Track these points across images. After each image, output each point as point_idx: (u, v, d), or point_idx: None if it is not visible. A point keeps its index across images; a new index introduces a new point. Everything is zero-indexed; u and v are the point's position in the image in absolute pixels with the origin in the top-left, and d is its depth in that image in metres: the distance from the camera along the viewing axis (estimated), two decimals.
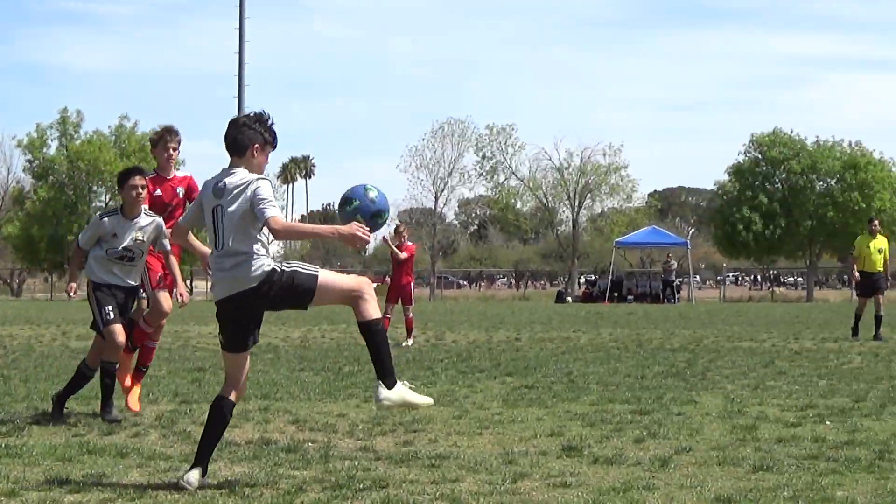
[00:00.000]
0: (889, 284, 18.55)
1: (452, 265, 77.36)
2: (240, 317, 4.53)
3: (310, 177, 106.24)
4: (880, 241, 17.17)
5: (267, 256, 4.48)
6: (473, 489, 4.71)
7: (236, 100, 48.73)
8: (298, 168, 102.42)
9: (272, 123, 4.71)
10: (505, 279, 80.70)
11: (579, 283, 57.25)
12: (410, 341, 16.17)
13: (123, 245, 6.62)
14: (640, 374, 11.23)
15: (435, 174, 58.92)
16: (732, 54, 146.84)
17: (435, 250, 61.37)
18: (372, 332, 4.59)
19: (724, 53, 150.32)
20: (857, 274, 17.20)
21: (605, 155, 54.63)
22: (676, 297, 45.15)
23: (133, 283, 6.88)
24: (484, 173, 58.93)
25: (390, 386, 4.51)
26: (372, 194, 4.76)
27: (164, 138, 7.22)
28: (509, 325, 23.96)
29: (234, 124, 4.65)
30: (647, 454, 5.94)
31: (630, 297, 44.54)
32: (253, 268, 4.36)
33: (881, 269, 16.95)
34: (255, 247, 4.43)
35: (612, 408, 7.37)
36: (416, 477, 5.06)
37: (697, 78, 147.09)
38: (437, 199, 60.22)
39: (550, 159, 58.25)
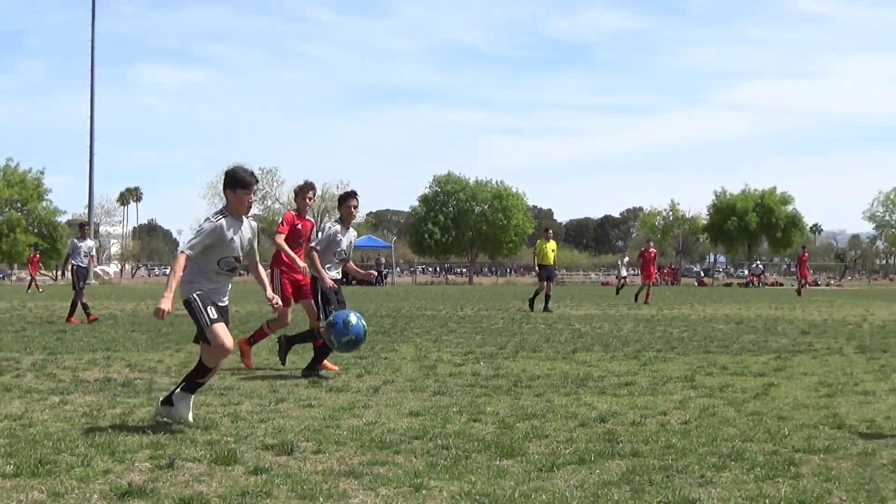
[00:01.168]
0: (557, 274, 23.74)
1: None
2: None
3: (139, 201, 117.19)
4: (552, 244, 20.92)
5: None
6: (248, 409, 6.08)
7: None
8: (131, 195, 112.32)
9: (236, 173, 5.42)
10: None
11: None
12: None
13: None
14: None
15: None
16: (420, 125, 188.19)
17: None
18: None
19: (420, 124, 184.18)
20: (537, 267, 20.55)
21: (338, 187, 64.47)
22: (384, 281, 52.73)
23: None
24: (257, 199, 66.50)
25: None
26: (353, 319, 6.08)
27: (305, 191, 8.25)
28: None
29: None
30: (364, 385, 7.48)
31: (354, 282, 47.01)
32: None
33: (552, 263, 20.62)
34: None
35: (340, 356, 8.49)
36: (210, 402, 6.31)
37: (397, 140, 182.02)
38: None
39: None
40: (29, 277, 35.36)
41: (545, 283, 19.77)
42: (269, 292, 5.80)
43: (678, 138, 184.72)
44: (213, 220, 5.25)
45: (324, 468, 4.11)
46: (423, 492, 3.62)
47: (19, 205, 54.01)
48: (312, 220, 8.88)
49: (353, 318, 6.31)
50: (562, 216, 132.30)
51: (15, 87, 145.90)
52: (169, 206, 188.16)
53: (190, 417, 5.23)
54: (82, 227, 17.37)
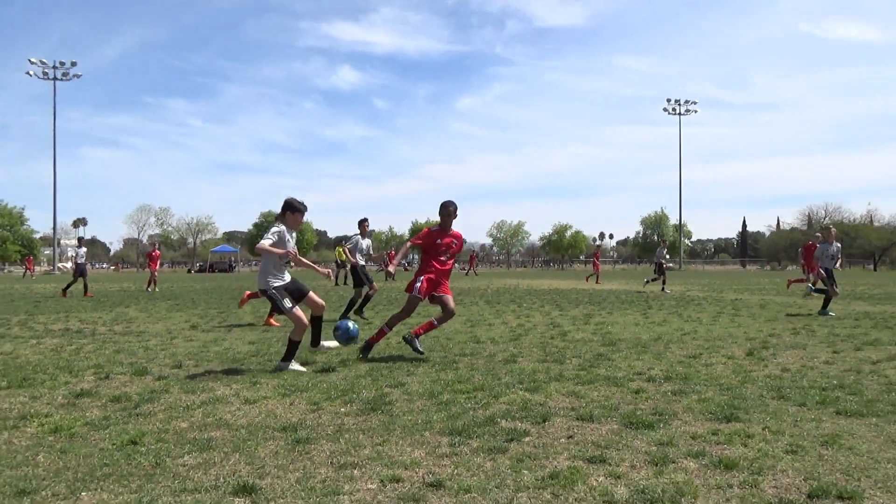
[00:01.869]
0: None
1: None
2: None
3: (86, 225, 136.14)
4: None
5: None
6: (154, 343, 9.10)
7: None
8: (80, 221, 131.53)
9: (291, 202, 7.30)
10: None
11: None
12: None
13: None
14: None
15: None
16: None
17: None
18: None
19: None
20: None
21: None
22: (234, 270, 63.69)
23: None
24: None
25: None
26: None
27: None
28: None
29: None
30: (222, 327, 10.58)
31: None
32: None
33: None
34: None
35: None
36: (130, 340, 9.24)
37: None
38: None
39: None
40: (24, 270, 57.39)
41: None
42: (321, 270, 7.90)
43: None
44: (275, 226, 7.18)
45: (200, 375, 6.90)
46: (257, 385, 6.39)
47: (8, 227, 77.53)
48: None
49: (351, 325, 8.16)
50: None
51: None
52: (104, 228, 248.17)
53: (300, 367, 7.14)
54: (80, 240, 23.31)
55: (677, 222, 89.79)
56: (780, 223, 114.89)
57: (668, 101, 77.12)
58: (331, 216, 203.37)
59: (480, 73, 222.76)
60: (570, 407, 5.35)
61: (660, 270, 23.99)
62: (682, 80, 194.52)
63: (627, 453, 4.15)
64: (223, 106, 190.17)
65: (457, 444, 4.34)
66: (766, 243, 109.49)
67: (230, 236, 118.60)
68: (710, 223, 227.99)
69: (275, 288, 7.08)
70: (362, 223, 13.19)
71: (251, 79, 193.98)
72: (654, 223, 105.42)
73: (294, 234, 7.31)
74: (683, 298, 19.11)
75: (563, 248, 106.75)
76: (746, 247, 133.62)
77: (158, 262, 26.46)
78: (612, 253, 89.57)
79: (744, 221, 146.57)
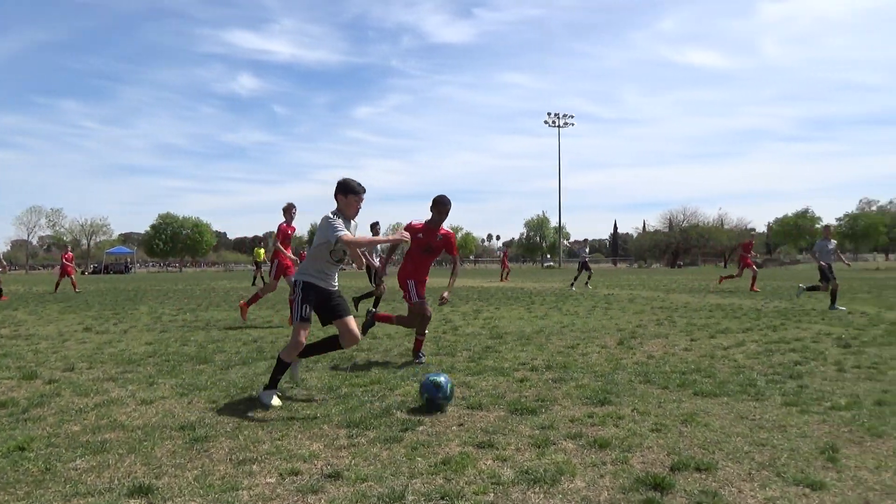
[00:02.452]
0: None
1: None
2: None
3: None
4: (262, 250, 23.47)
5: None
6: (44, 346, 8.40)
7: None
8: None
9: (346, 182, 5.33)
10: None
11: None
12: None
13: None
14: None
15: None
16: None
17: None
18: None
19: None
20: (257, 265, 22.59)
21: None
22: (131, 271, 60.89)
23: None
24: None
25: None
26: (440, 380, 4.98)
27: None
28: None
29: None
30: (118, 329, 9.96)
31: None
32: None
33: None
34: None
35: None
36: (19, 343, 8.48)
37: None
38: None
39: None
40: None
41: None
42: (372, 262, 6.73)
43: None
44: (332, 216, 5.20)
45: (94, 377, 6.40)
46: (154, 385, 6.06)
47: None
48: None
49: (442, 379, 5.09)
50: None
51: None
52: None
53: (276, 401, 5.22)
54: None
55: (557, 224, 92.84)
56: (646, 226, 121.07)
57: (549, 114, 79.32)
58: (230, 218, 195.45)
59: (377, 84, 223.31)
60: (461, 396, 5.40)
61: (583, 268, 24.29)
62: (561, 95, 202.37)
63: (513, 437, 4.24)
64: (120, 108, 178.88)
65: (354, 436, 4.28)
66: (634, 244, 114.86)
67: (126, 238, 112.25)
68: (585, 225, 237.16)
69: (305, 283, 5.32)
70: (374, 226, 13.34)
71: (149, 82, 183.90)
72: (537, 225, 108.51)
73: (355, 225, 5.44)
74: (562, 294, 19.78)
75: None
76: (617, 247, 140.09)
77: (69, 263, 24.30)
78: (498, 253, 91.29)
79: (615, 224, 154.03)
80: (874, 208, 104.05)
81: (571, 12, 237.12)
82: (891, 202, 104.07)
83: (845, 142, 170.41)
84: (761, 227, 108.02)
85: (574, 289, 22.68)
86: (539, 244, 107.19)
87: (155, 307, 14.75)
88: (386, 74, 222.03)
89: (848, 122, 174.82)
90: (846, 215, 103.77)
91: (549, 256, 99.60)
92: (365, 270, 7.76)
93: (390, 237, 5.73)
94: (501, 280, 33.48)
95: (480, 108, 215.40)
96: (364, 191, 5.37)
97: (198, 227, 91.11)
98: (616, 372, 6.45)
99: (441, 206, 7.17)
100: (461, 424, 4.55)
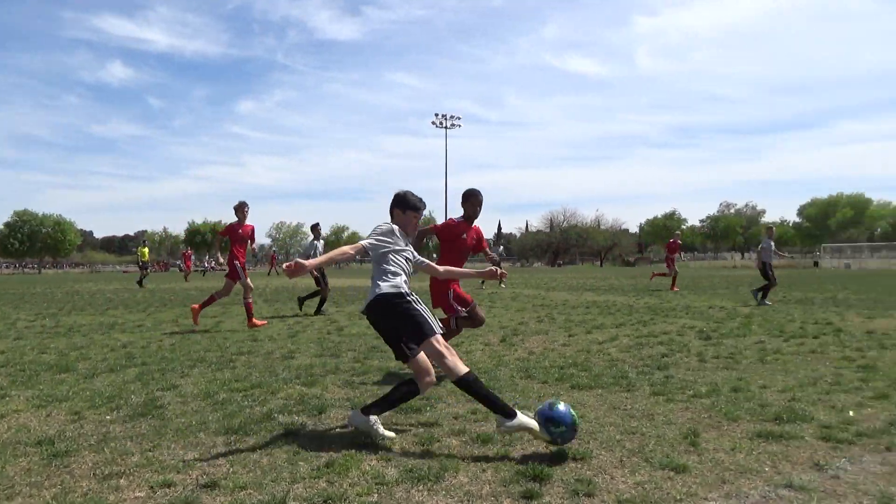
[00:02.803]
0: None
1: None
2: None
3: None
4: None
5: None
6: None
7: None
8: None
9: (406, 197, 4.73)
10: None
11: None
12: None
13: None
14: None
15: None
16: None
17: None
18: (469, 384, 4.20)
19: None
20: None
21: None
22: None
23: None
24: None
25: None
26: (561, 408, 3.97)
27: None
28: None
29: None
30: None
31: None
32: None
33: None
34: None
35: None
36: None
37: None
38: None
39: None
40: None
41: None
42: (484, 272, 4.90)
43: None
44: (380, 226, 4.60)
45: None
46: (6, 398, 5.56)
47: None
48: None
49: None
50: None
51: None
52: None
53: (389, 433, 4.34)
54: None
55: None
56: (529, 226, 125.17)
57: (436, 115, 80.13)
58: (98, 215, 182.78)
59: (262, 79, 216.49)
60: (346, 398, 5.35)
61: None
62: (448, 96, 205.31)
63: (398, 437, 4.25)
64: None
65: (233, 443, 4.13)
66: (518, 243, 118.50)
67: None
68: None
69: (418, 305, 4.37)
70: (315, 227, 13.53)
71: (5, 67, 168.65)
72: (423, 225, 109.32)
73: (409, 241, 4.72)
74: None
75: None
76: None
77: None
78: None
79: (499, 224, 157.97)
80: (732, 211, 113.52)
81: (458, 14, 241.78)
82: (746, 205, 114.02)
83: (709, 149, 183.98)
84: (633, 228, 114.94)
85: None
86: (426, 244, 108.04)
87: (8, 312, 13.52)
88: (271, 69, 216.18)
89: (711, 130, 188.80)
90: (708, 217, 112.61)
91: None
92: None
93: (483, 272, 4.78)
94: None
95: (368, 107, 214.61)
96: (424, 207, 4.83)
97: (60, 226, 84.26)
98: (499, 368, 6.61)
99: (476, 198, 6.50)
100: (345, 427, 4.50)
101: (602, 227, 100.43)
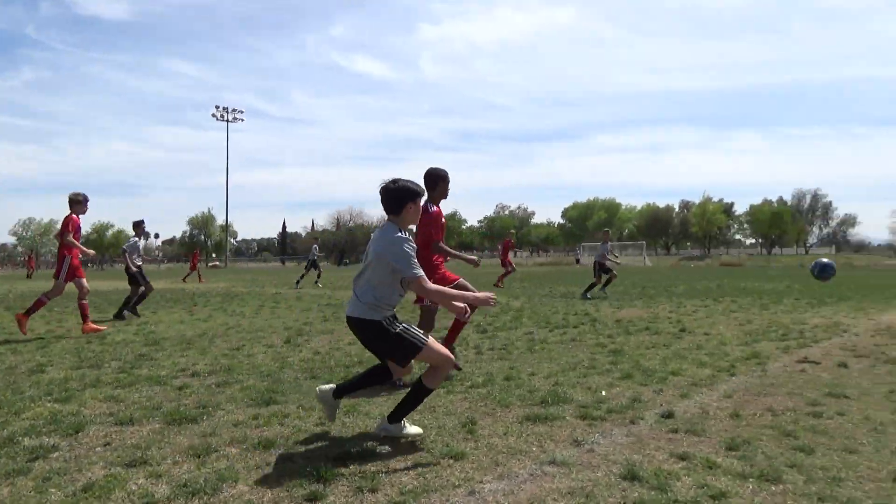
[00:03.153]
0: None
1: None
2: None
3: None
4: None
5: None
6: None
7: None
8: None
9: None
10: None
11: None
12: None
13: None
14: None
15: None
16: None
17: None
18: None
19: None
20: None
21: None
22: None
23: None
24: None
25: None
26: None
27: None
28: None
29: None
30: None
31: None
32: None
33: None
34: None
35: None
36: None
37: None
38: None
39: None
40: None
41: None
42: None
43: None
44: (411, 242, 3.98)
45: None
46: None
47: None
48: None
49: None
50: None
51: None
52: None
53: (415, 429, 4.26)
54: None
55: (224, 222, 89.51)
56: (315, 225, 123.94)
57: (217, 107, 75.95)
58: None
59: (6, 54, 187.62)
60: (109, 412, 4.85)
61: (311, 266, 24.21)
62: (230, 89, 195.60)
63: (169, 450, 3.94)
64: None
65: None
66: (303, 243, 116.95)
67: None
68: (254, 224, 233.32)
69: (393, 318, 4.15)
70: (139, 225, 12.80)
71: None
72: (202, 223, 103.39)
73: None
74: (229, 294, 19.11)
75: (104, 248, 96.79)
76: (286, 245, 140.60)
77: None
78: (157, 252, 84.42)
79: (284, 223, 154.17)
80: (507, 212, 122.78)
81: (244, 5, 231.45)
82: (519, 207, 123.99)
83: (487, 153, 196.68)
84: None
85: (299, 287, 22.58)
86: (204, 242, 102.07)
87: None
88: (18, 43, 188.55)
89: (489, 136, 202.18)
90: (485, 218, 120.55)
91: (214, 256, 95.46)
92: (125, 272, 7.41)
93: (479, 296, 4.22)
94: (184, 280, 31.65)
95: (139, 95, 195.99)
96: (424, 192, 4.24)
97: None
98: (283, 370, 6.45)
99: (445, 179, 6.14)
100: (107, 444, 4.08)
101: None
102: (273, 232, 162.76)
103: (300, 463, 3.72)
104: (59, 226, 10.04)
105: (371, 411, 4.81)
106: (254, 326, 10.37)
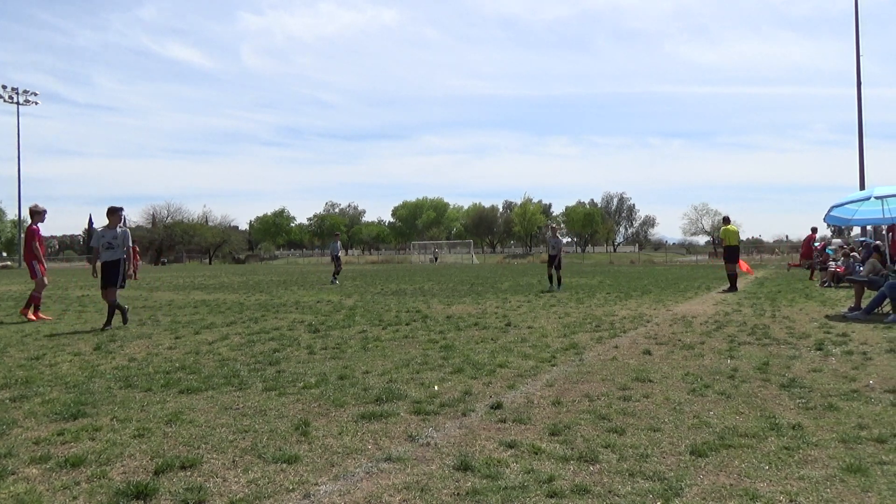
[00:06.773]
0: None
1: None
2: None
3: None
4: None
5: None
6: None
7: None
8: None
9: None
10: None
11: None
12: None
13: None
14: None
15: None
16: None
17: None
18: None
19: None
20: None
21: None
22: None
23: None
24: None
25: None
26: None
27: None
28: None
29: None
30: None
31: None
32: None
33: None
34: None
35: None
36: None
37: None
38: None
39: None
40: None
41: None
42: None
43: None
44: None
45: None
46: None
47: None
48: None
49: None
50: None
51: None
52: None
53: None
54: None
55: (17, 218, 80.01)
56: (126, 221, 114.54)
57: (5, 87, 67.45)
58: None
59: None
60: None
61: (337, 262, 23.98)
62: (20, 68, 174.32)
63: None
64: None
65: None
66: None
67: None
68: (56, 220, 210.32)
69: None
70: (116, 212, 11.10)
71: None
72: None
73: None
74: (23, 298, 17.09)
75: None
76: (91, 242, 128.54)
77: None
78: None
79: (90, 219, 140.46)
80: (337, 210, 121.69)
81: None
82: (349, 205, 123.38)
83: (314, 150, 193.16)
84: (243, 226, 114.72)
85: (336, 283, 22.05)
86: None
87: None
88: None
89: (315, 133, 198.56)
90: (315, 216, 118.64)
91: (4, 255, 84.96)
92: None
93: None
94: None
95: None
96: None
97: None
98: (92, 380, 5.90)
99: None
100: None
101: (210, 223, 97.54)
102: (77, 229, 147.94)
103: (116, 479, 3.42)
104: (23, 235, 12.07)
105: (196, 419, 4.55)
106: (56, 332, 9.38)
